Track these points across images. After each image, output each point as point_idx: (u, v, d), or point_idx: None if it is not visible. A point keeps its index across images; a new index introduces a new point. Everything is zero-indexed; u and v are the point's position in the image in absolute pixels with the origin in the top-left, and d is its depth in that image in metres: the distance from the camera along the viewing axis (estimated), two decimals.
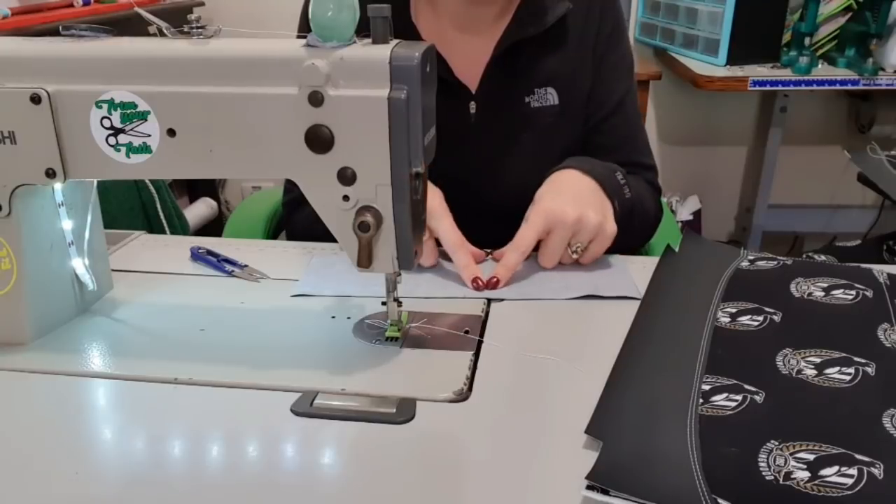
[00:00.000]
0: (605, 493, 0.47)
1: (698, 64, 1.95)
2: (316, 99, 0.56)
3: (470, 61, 0.94)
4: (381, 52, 0.56)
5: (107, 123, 0.60)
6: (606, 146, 0.98)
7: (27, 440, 0.54)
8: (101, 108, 0.59)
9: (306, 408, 0.57)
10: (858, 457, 0.49)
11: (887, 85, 1.83)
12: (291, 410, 0.57)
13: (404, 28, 0.90)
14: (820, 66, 1.92)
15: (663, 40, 2.15)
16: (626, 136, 1.00)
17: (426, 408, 0.57)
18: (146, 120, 0.59)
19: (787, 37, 1.94)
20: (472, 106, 0.94)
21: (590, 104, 0.98)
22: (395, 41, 0.58)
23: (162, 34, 0.61)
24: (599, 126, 0.99)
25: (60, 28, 0.61)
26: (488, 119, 0.95)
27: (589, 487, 0.48)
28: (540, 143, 0.96)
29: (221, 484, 0.50)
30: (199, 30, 0.60)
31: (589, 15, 0.96)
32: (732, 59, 1.89)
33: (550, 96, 0.95)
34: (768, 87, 1.85)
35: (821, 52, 1.97)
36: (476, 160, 0.95)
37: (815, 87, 1.86)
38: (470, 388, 0.60)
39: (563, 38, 0.95)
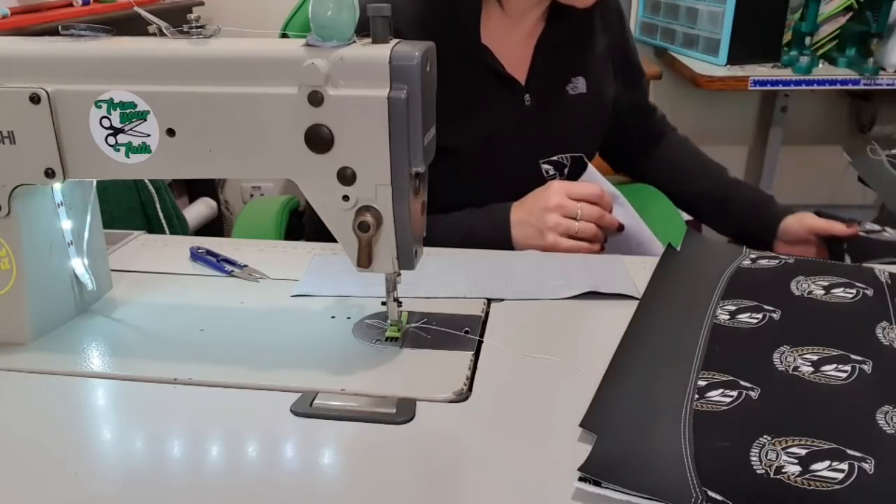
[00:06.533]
0: (598, 484, 0.47)
1: (699, 63, 1.95)
2: (316, 99, 0.56)
3: (516, 56, 0.99)
4: (381, 52, 0.56)
5: (106, 123, 0.60)
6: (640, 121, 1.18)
7: (27, 440, 0.54)
8: (100, 107, 0.59)
9: (306, 408, 0.57)
10: (850, 452, 0.50)
11: (888, 85, 1.83)
12: (291, 410, 0.57)
13: (471, 29, 0.95)
14: (820, 65, 1.92)
15: (664, 40, 2.15)
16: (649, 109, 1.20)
17: (426, 408, 0.57)
18: (145, 120, 0.59)
19: (787, 36, 1.94)
20: (527, 98, 0.99)
21: (631, 109, 1.13)
22: (394, 41, 0.57)
23: (161, 34, 0.61)
24: (643, 120, 1.17)
25: (60, 28, 0.61)
26: (541, 109, 1.01)
27: (582, 479, 0.48)
28: (579, 128, 1.05)
29: (221, 484, 0.50)
30: (199, 30, 0.60)
31: (604, 17, 1.07)
32: (733, 59, 1.89)
33: (580, 84, 1.03)
34: (769, 87, 1.85)
35: (821, 51, 1.97)
36: (535, 150, 1.01)
37: (815, 87, 1.86)
38: (470, 388, 0.60)
39: (589, 30, 1.05)
